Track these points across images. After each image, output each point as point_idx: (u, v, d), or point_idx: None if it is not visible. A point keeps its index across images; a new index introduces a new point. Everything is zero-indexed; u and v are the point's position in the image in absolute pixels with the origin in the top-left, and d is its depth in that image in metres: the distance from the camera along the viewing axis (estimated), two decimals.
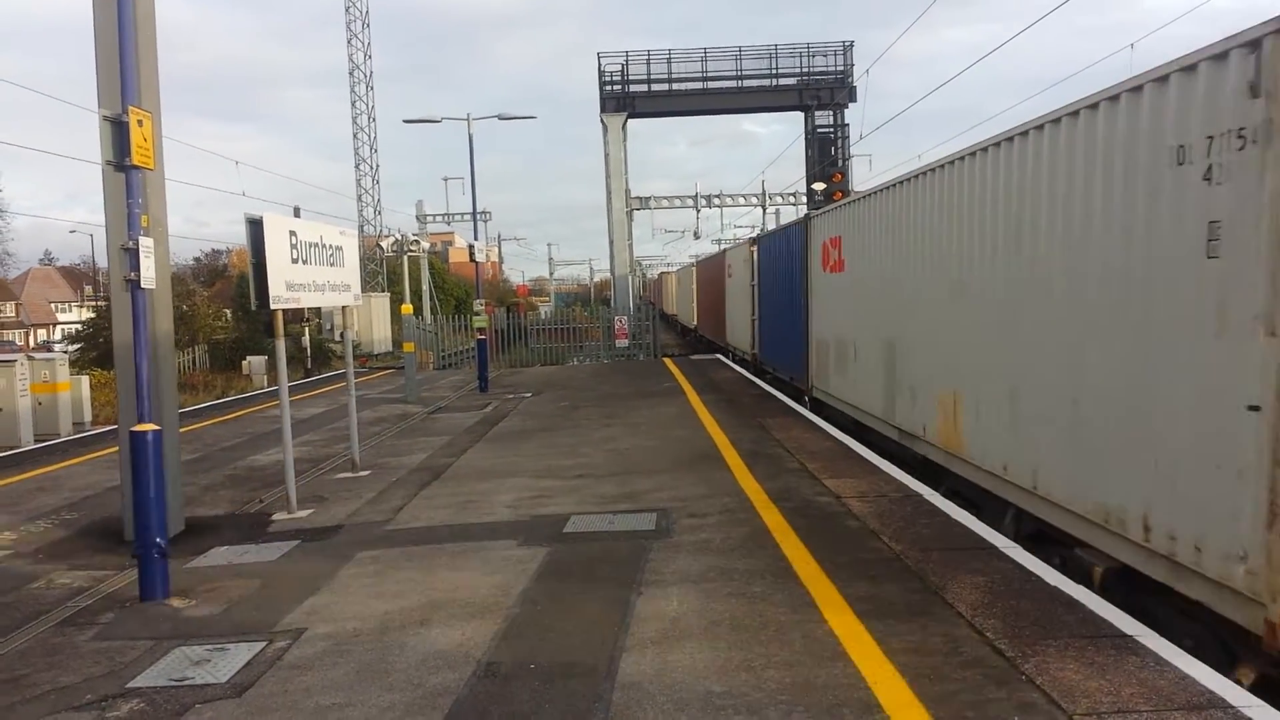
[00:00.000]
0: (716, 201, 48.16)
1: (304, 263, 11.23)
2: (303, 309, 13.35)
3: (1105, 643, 6.00)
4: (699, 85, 43.31)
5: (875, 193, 14.05)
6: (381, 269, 53.27)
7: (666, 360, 33.27)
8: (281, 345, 11.19)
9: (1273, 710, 5.08)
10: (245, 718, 5.59)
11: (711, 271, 39.37)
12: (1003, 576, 7.38)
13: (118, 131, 7.94)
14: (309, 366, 35.80)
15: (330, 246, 12.19)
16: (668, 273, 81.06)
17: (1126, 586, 7.28)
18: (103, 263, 64.52)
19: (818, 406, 18.22)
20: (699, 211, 48.47)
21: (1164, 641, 6.04)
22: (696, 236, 55.91)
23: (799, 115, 44.69)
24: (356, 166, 53.23)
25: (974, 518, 9.31)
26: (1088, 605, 6.69)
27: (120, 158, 7.97)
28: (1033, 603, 6.77)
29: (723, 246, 35.42)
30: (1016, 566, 7.64)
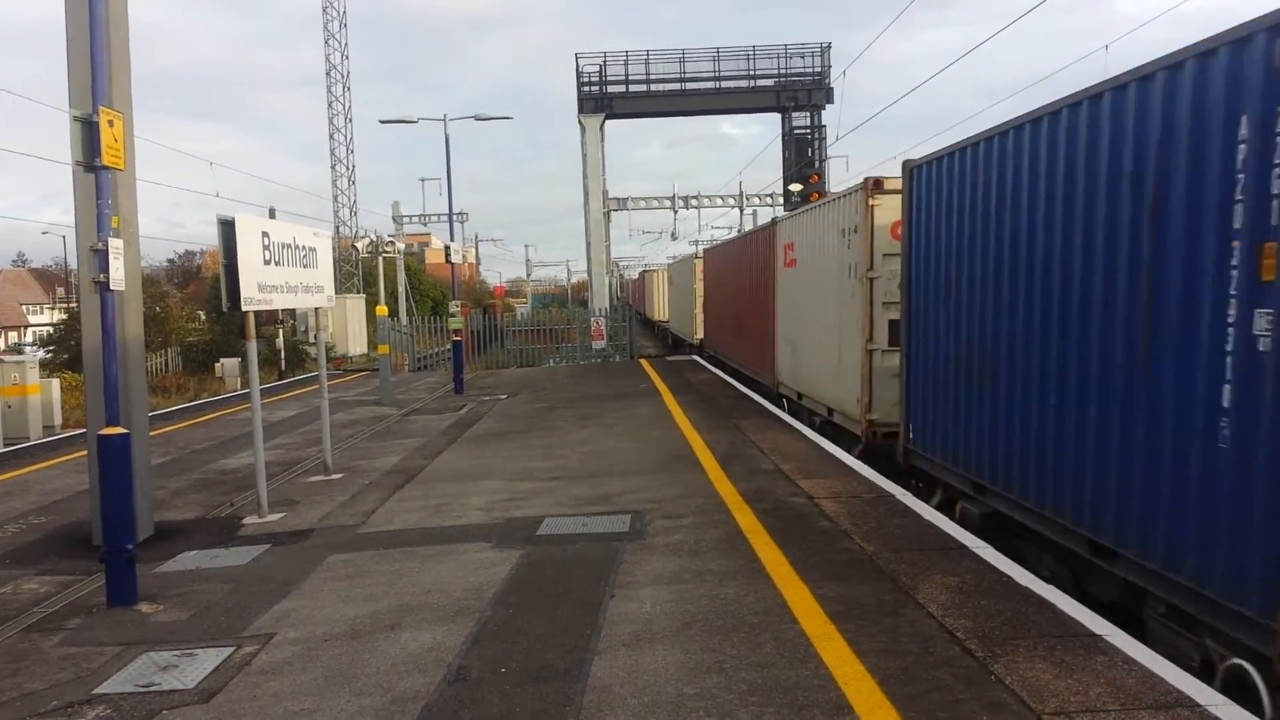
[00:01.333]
0: (694, 202, 48.16)
1: (276, 264, 11.15)
2: (276, 311, 13.26)
3: (1074, 642, 6.04)
4: (677, 86, 43.31)
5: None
6: (357, 270, 53.01)
7: (643, 361, 33.28)
8: (253, 347, 11.11)
9: (1239, 709, 5.12)
10: None
11: (741, 258, 25.24)
12: (974, 577, 7.42)
13: (88, 132, 7.87)
14: (283, 369, 35.57)
15: (303, 248, 12.11)
16: (653, 270, 68.87)
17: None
18: (75, 264, 64.04)
19: None
20: (676, 212, 48.44)
21: (1132, 641, 6.10)
22: (674, 237, 55.98)
23: (776, 117, 44.74)
24: (333, 167, 53.01)
25: (946, 519, 9.36)
26: (1058, 605, 6.73)
27: (90, 158, 7.89)
28: (1003, 603, 6.81)
29: (773, 218, 21.99)
30: (988, 567, 7.68)
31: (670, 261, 61.45)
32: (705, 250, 37.64)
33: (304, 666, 6.32)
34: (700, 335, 36.05)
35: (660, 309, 58.97)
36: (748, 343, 24.21)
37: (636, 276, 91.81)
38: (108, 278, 7.94)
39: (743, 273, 24.70)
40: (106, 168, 7.95)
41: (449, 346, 30.10)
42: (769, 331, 20.71)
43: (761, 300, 21.67)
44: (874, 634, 6.35)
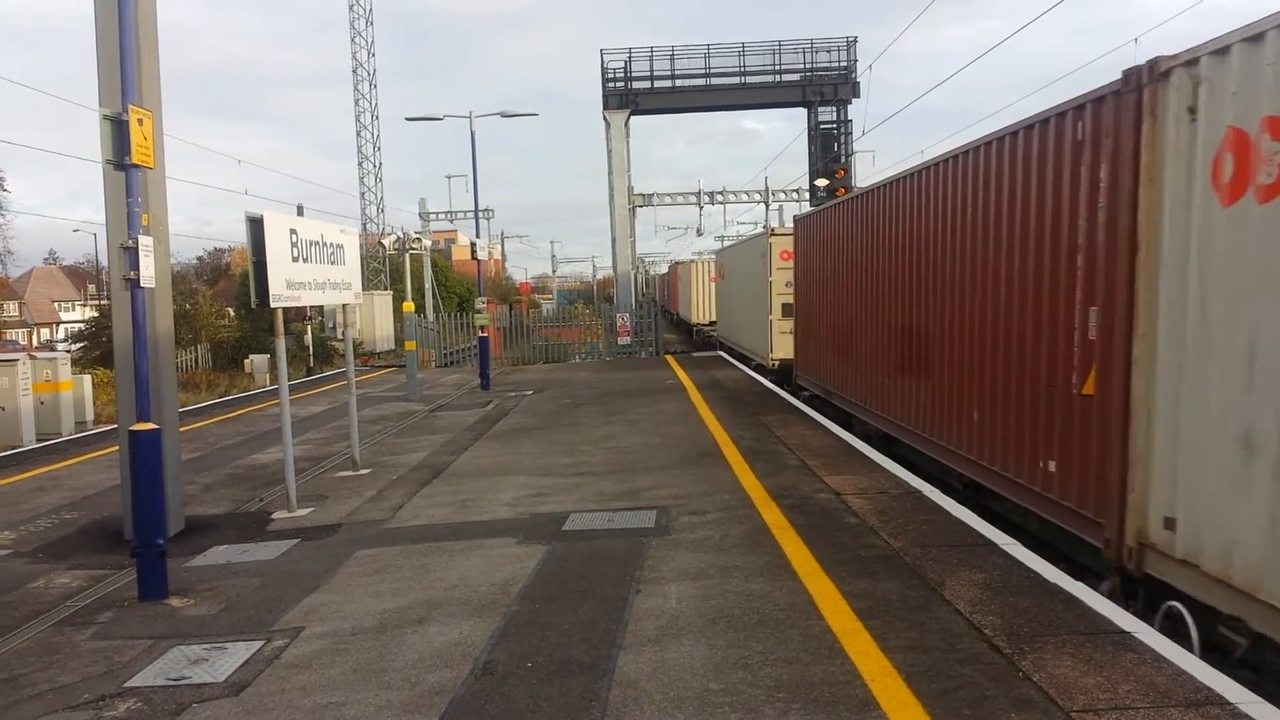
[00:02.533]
0: (720, 198, 48.10)
1: (304, 261, 11.24)
2: (304, 307, 13.35)
3: (1103, 639, 6.00)
4: (702, 81, 43.22)
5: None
6: (384, 267, 53.30)
7: (669, 358, 33.26)
8: (282, 344, 11.19)
9: (1271, 707, 5.07)
10: (242, 717, 5.59)
11: (843, 229, 16.54)
12: (1001, 573, 7.38)
13: (118, 130, 7.94)
14: (311, 365, 35.82)
15: (331, 244, 12.19)
16: (689, 262, 55.76)
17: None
18: (105, 262, 64.72)
19: None
20: (701, 208, 48.44)
21: (1162, 638, 6.05)
22: (699, 233, 56.03)
23: (801, 112, 44.55)
24: (360, 164, 53.27)
25: (975, 515, 9.30)
26: (1086, 602, 6.68)
27: (120, 157, 7.97)
28: (1031, 600, 6.77)
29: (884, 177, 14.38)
30: (1015, 563, 7.63)
31: (722, 246, 48.58)
32: (802, 218, 21.31)
33: (332, 660, 6.37)
34: (782, 355, 23.52)
35: (701, 309, 47.43)
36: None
37: (666, 269, 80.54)
38: (138, 275, 8.01)
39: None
40: (136, 166, 8.03)
41: (475, 343, 30.22)
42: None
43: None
44: (901, 630, 6.32)
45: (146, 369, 8.19)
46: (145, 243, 8.08)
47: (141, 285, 8.07)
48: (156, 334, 9.89)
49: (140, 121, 8.06)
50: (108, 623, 7.53)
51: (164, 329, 10.46)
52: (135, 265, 7.99)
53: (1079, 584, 7.13)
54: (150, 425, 8.10)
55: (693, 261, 53.41)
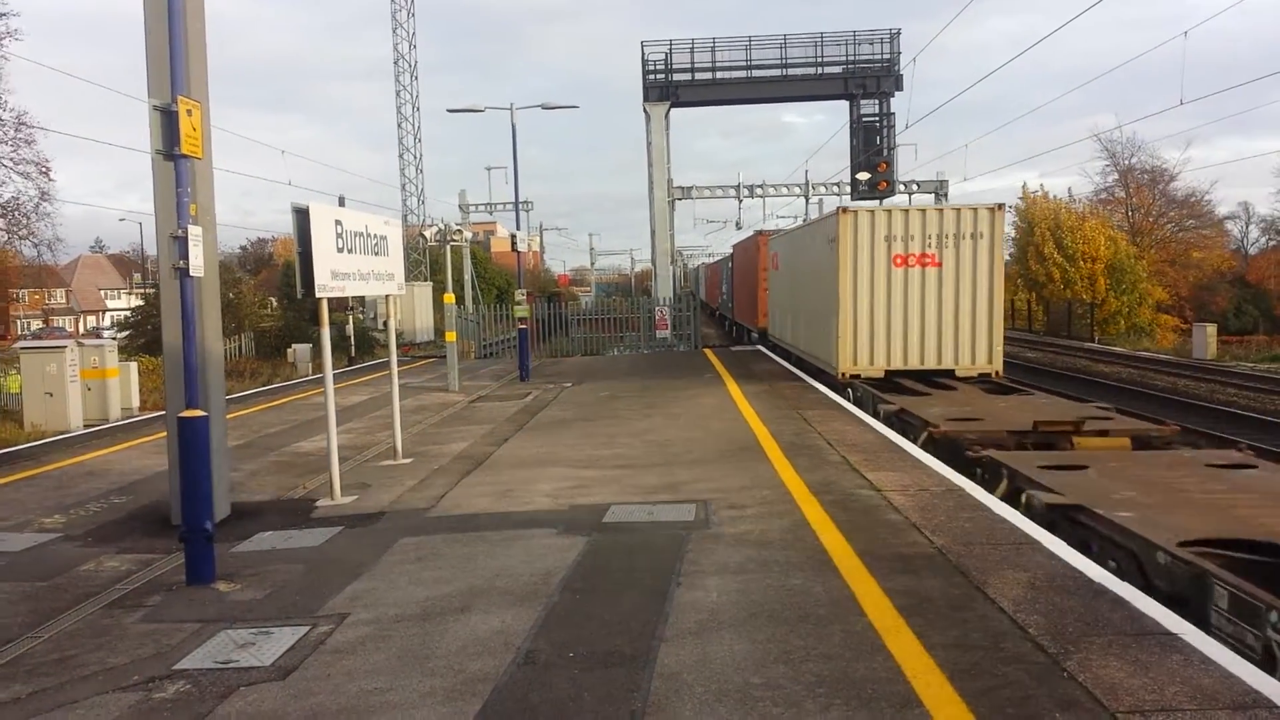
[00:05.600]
0: (759, 192, 47.91)
1: (349, 252, 11.34)
2: (347, 298, 13.47)
3: (1149, 640, 5.94)
4: (743, 74, 43.10)
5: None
6: (424, 258, 53.60)
7: (707, 351, 33.24)
8: (326, 333, 11.30)
9: None
10: (289, 700, 5.67)
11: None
12: (1045, 573, 7.32)
13: (167, 121, 8.05)
14: (353, 355, 36.13)
15: (375, 236, 12.29)
16: (762, 234, 36.41)
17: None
18: (151, 250, 65.66)
19: None
20: (741, 201, 48.29)
21: (1209, 640, 5.98)
22: (738, 227, 55.61)
23: (841, 105, 44.29)
24: (400, 156, 53.56)
25: (1018, 513, 9.24)
26: (1132, 602, 6.61)
27: (170, 147, 8.07)
28: (1076, 599, 6.71)
29: None
30: (1060, 563, 7.56)
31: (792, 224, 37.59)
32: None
33: (377, 646, 6.44)
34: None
35: (766, 311, 33.39)
36: None
37: (714, 259, 73.91)
38: (187, 264, 8.12)
39: None
40: (185, 156, 8.13)
41: (514, 334, 30.35)
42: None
43: None
44: (943, 628, 6.29)
45: (195, 356, 8.30)
46: (195, 232, 8.20)
47: (190, 274, 8.18)
48: (205, 322, 10.01)
49: (189, 112, 8.16)
50: (156, 606, 7.66)
51: (212, 317, 10.59)
52: (185, 254, 8.11)
53: (1125, 584, 7.06)
54: (199, 412, 8.22)
55: (758, 238, 36.08)
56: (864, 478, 10.94)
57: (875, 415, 16.08)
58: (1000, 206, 18.82)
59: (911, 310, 18.94)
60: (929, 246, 18.87)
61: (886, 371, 19.08)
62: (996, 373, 18.97)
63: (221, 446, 10.63)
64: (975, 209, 18.91)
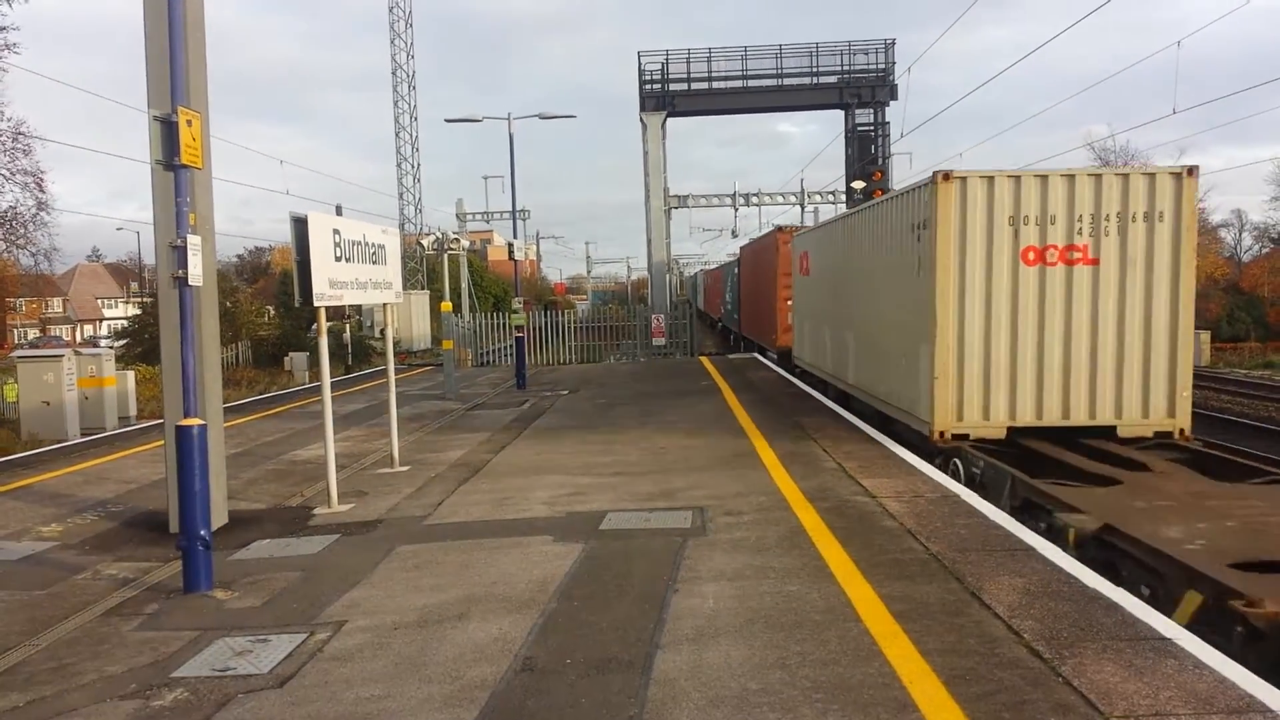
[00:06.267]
0: (755, 200, 48.05)
1: (347, 260, 11.38)
2: (343, 306, 13.51)
3: (1143, 645, 5.97)
4: (739, 83, 43.22)
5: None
6: (421, 267, 53.66)
7: (703, 359, 33.27)
8: (324, 341, 11.33)
9: None
10: (287, 708, 5.69)
11: None
12: (1040, 578, 7.35)
13: (167, 131, 8.09)
14: (350, 363, 36.19)
15: (373, 245, 12.33)
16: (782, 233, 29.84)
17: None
18: (149, 260, 65.62)
19: None
20: (736, 210, 48.42)
21: (1203, 644, 6.01)
22: (734, 235, 55.71)
23: (835, 115, 44.48)
24: (398, 165, 53.74)
25: (1013, 519, 9.27)
26: (1126, 608, 6.65)
27: (169, 157, 8.11)
28: (1071, 605, 6.74)
29: None
30: (1055, 568, 7.60)
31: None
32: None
33: (375, 654, 6.46)
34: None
35: (788, 326, 26.98)
36: None
37: (712, 266, 70.52)
38: (186, 273, 8.16)
39: None
40: (185, 166, 8.17)
41: (511, 342, 30.39)
42: None
43: None
44: (939, 633, 6.32)
45: (193, 365, 8.33)
46: (194, 242, 8.23)
47: (190, 284, 8.21)
48: (203, 331, 10.03)
49: (189, 122, 8.21)
50: (154, 614, 7.67)
51: (210, 326, 10.61)
52: (184, 264, 8.14)
53: (1119, 590, 7.10)
54: (197, 420, 8.24)
55: (774, 238, 30.24)
56: (859, 484, 10.97)
57: (1013, 510, 10.10)
58: (1191, 171, 12.18)
59: (1050, 333, 12.37)
60: (1079, 234, 12.31)
61: (1010, 430, 12.44)
62: (1182, 431, 12.36)
63: (219, 455, 10.64)
64: (1152, 174, 12.44)
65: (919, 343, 13.04)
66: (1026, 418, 12.46)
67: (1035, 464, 11.48)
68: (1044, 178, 12.35)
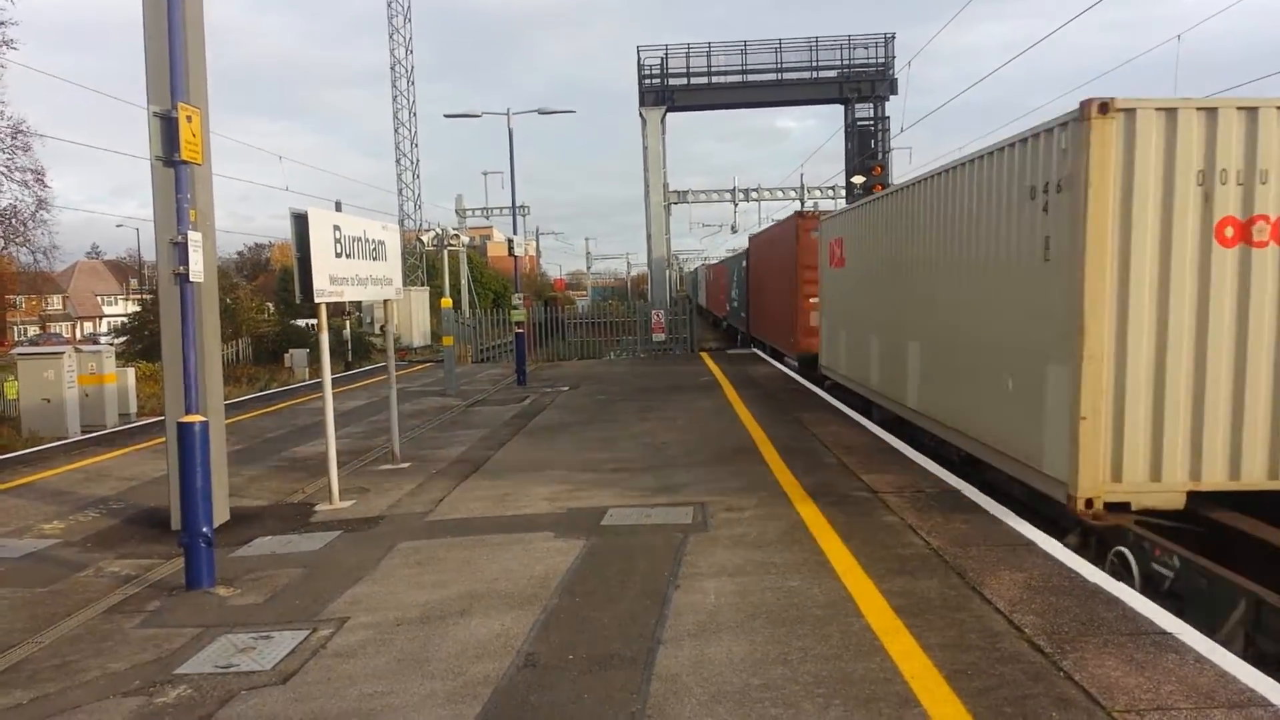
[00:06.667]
0: (754, 195, 48.09)
1: (347, 257, 11.38)
2: (343, 303, 13.51)
3: (1144, 639, 5.98)
4: (738, 78, 43.21)
5: None
6: (421, 263, 53.65)
7: (703, 355, 33.28)
8: (325, 338, 11.33)
9: None
10: (290, 704, 5.70)
11: None
12: (1041, 573, 7.36)
13: (167, 127, 8.09)
14: (349, 359, 36.21)
15: (373, 241, 12.32)
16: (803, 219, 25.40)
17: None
18: (149, 256, 65.70)
19: None
20: (736, 205, 48.47)
21: (1204, 639, 6.02)
22: (734, 230, 55.74)
23: (834, 110, 44.49)
24: (397, 161, 53.74)
25: (1014, 515, 9.27)
26: (1127, 602, 6.66)
27: (170, 153, 8.11)
28: (1072, 599, 6.75)
29: None
30: (1056, 563, 7.61)
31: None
32: None
33: (377, 650, 6.47)
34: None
35: (815, 328, 22.65)
36: None
37: (712, 261, 67.45)
38: (187, 270, 8.15)
39: None
40: (185, 162, 8.17)
41: (511, 338, 30.38)
42: None
43: None
44: (940, 628, 6.33)
45: (194, 362, 8.33)
46: (194, 238, 8.23)
47: (190, 280, 8.21)
48: (203, 327, 10.02)
49: (189, 118, 8.20)
50: (156, 611, 7.68)
51: (210, 322, 10.62)
52: (184, 260, 8.14)
53: (1120, 584, 7.11)
54: (198, 417, 8.24)
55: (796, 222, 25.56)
56: (860, 479, 10.98)
57: (1254, 656, 6.35)
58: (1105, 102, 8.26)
59: (1257, 350, 8.28)
60: None
61: (1191, 495, 8.38)
62: None
63: (221, 451, 10.65)
64: None
65: (1044, 363, 8.98)
66: (1217, 478, 8.37)
67: (1227, 549, 8.02)
68: (1252, 110, 8.20)
